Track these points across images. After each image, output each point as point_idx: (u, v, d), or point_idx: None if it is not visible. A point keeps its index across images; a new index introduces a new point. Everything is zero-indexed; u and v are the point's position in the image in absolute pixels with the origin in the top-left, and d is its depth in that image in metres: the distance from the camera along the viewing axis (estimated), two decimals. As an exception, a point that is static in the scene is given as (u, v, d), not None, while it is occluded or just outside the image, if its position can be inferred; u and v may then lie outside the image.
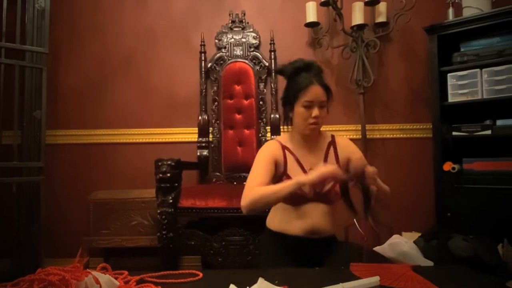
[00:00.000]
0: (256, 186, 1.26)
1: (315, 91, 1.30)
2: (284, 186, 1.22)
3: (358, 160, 1.25)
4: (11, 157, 2.30)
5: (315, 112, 1.30)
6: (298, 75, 1.34)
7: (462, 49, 2.30)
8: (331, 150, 1.41)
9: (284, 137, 1.43)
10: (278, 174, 1.36)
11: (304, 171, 1.34)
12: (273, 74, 2.62)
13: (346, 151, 1.40)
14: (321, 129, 1.41)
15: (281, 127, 1.45)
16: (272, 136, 2.54)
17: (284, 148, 1.38)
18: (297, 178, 1.23)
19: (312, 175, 1.18)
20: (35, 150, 2.44)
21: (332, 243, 1.40)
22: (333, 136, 1.44)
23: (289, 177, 1.32)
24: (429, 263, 1.92)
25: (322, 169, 1.18)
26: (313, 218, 1.34)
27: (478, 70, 2.18)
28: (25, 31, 2.42)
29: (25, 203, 2.40)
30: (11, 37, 2.31)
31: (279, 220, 1.40)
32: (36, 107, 2.46)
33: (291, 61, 1.40)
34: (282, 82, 2.65)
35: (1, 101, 2.26)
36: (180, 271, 1.07)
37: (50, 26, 2.49)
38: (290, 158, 1.37)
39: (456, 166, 2.22)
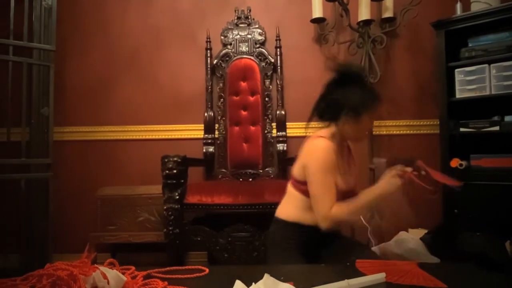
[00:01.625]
0: (333, 205, 1.28)
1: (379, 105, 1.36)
2: (363, 204, 1.28)
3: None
4: (20, 153, 2.32)
5: (372, 124, 1.40)
6: (362, 81, 1.36)
7: (470, 44, 2.27)
8: (350, 153, 1.49)
9: (327, 136, 1.38)
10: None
11: (341, 174, 1.38)
12: (279, 70, 2.61)
13: (354, 152, 1.51)
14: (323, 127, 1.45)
15: (325, 125, 1.41)
16: (280, 133, 2.54)
17: (334, 151, 1.37)
18: (372, 192, 1.28)
19: (385, 187, 1.26)
20: (43, 147, 2.46)
21: (340, 237, 1.45)
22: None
23: (337, 183, 1.34)
24: (436, 260, 1.91)
25: (391, 178, 1.27)
26: None
27: (486, 65, 2.16)
28: (33, 29, 2.43)
29: (34, 199, 2.43)
30: (19, 35, 2.32)
31: (294, 210, 1.40)
32: (44, 104, 2.48)
33: (344, 62, 1.48)
34: (287, 78, 2.66)
35: (9, 99, 2.28)
36: (187, 267, 1.08)
37: (57, 24, 2.51)
38: (337, 162, 1.38)
39: (464, 163, 2.20)
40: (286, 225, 1.40)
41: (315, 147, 1.34)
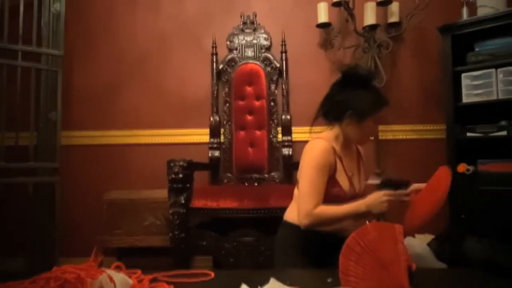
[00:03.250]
0: (318, 204, 1.28)
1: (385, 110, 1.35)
2: (347, 212, 1.27)
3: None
4: (27, 157, 2.34)
5: (377, 128, 1.41)
6: (368, 84, 1.34)
7: (476, 49, 2.26)
8: (360, 155, 1.49)
9: (330, 138, 1.39)
10: (327, 178, 1.35)
11: (348, 177, 1.37)
12: (284, 75, 2.62)
13: (363, 153, 1.52)
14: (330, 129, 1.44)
15: (329, 125, 1.42)
16: (285, 137, 2.55)
17: (335, 152, 1.36)
18: (358, 205, 1.27)
19: (372, 206, 1.25)
20: (51, 151, 2.48)
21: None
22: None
23: (336, 182, 1.34)
24: (443, 265, 1.89)
25: (379, 200, 1.24)
26: (348, 222, 1.34)
27: (493, 70, 2.15)
28: (41, 34, 2.47)
29: (41, 203, 2.44)
30: (27, 40, 2.36)
31: None
32: (52, 109, 2.51)
33: (353, 65, 1.44)
34: (293, 83, 2.67)
35: (17, 103, 2.31)
36: (193, 271, 1.08)
37: (65, 29, 2.54)
38: (339, 163, 1.36)
39: (471, 168, 2.18)
40: (294, 229, 1.38)
41: (312, 146, 1.35)
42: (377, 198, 1.25)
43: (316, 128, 1.42)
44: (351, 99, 1.33)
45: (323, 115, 1.41)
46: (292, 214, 1.42)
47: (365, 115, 1.32)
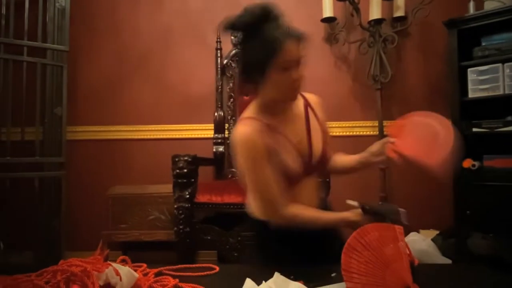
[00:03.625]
0: (285, 202, 1.08)
1: (292, 48, 1.02)
2: (323, 224, 1.10)
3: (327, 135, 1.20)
4: (33, 152, 2.36)
5: (297, 73, 1.05)
6: (258, 30, 1.03)
7: (483, 44, 2.24)
8: (310, 112, 1.21)
9: (257, 111, 1.14)
10: (274, 164, 1.08)
11: (294, 147, 1.12)
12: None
13: (320, 109, 1.24)
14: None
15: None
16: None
17: (269, 128, 1.10)
18: (344, 216, 1.09)
19: (350, 227, 1.03)
20: (56, 146, 2.50)
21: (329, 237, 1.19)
22: (303, 95, 1.23)
23: (287, 166, 1.09)
24: (447, 261, 1.89)
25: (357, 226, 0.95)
26: (309, 198, 1.17)
27: (500, 64, 2.13)
28: (46, 30, 2.47)
29: (47, 197, 2.47)
30: (33, 35, 2.37)
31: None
32: (57, 104, 2.52)
33: (238, 14, 1.08)
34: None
35: (23, 98, 2.32)
36: (197, 265, 1.09)
37: (70, 24, 2.55)
38: (280, 139, 1.11)
39: (477, 163, 2.17)
40: (261, 225, 1.18)
41: (235, 137, 1.09)
42: (351, 219, 1.08)
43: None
44: (245, 58, 1.09)
45: (242, 85, 1.22)
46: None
47: (262, 70, 1.03)
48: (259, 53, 1.03)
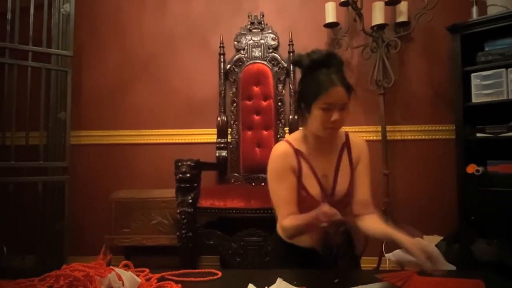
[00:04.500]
0: (288, 215, 1.20)
1: (336, 93, 1.13)
2: (301, 222, 1.15)
3: (362, 170, 1.27)
4: (37, 157, 2.38)
5: (335, 116, 1.15)
6: (316, 70, 1.17)
7: (486, 49, 2.24)
8: (345, 152, 1.30)
9: (296, 137, 1.29)
10: (293, 184, 1.24)
11: (318, 180, 1.24)
12: (292, 75, 2.62)
13: (359, 152, 1.31)
14: None
15: (300, 128, 1.31)
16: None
17: (297, 153, 1.25)
18: (307, 217, 1.12)
19: (311, 215, 1.09)
20: (60, 150, 2.52)
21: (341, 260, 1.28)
22: (347, 136, 1.33)
23: (305, 188, 1.23)
24: (452, 267, 1.87)
25: (322, 210, 1.06)
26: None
27: (503, 69, 2.12)
28: (51, 35, 2.50)
29: (50, 201, 2.48)
30: (37, 41, 2.39)
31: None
32: (61, 109, 2.54)
33: (309, 51, 1.21)
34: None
35: (28, 103, 2.34)
36: (200, 270, 1.08)
37: (75, 30, 2.57)
38: (304, 166, 1.25)
39: (480, 169, 2.16)
40: (282, 244, 1.31)
41: (272, 153, 1.27)
42: (316, 216, 1.08)
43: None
44: (299, 90, 1.25)
45: (297, 116, 1.30)
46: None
47: (307, 105, 1.18)
48: (309, 88, 1.18)
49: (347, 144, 1.31)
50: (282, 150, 1.25)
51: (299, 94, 1.25)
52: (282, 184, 1.22)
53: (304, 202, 1.22)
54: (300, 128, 1.32)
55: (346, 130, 1.34)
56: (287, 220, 1.20)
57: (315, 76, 1.17)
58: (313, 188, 1.23)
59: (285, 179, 1.22)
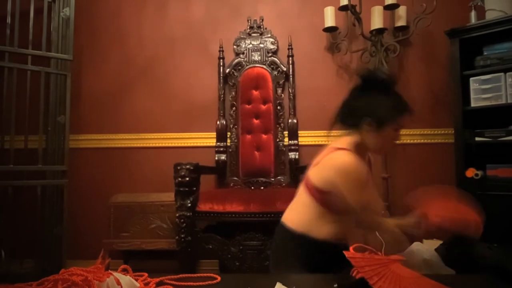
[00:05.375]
0: (376, 211, 1.29)
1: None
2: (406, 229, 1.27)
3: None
4: (36, 160, 2.37)
5: (399, 137, 1.27)
6: (392, 89, 1.26)
7: (485, 53, 2.25)
8: (371, 166, 1.41)
9: (351, 147, 1.27)
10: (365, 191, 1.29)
11: (376, 187, 1.36)
12: (291, 79, 2.62)
13: (373, 162, 1.46)
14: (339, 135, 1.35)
15: (346, 132, 1.32)
16: (292, 141, 2.54)
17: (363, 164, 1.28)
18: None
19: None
20: (59, 154, 2.51)
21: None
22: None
23: (373, 197, 1.31)
24: (451, 271, 1.87)
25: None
26: (345, 223, 1.29)
27: (502, 74, 2.13)
28: (51, 39, 2.50)
29: (49, 205, 2.47)
30: (37, 44, 2.39)
31: (305, 220, 1.30)
32: (60, 112, 2.53)
33: (378, 69, 1.36)
34: (299, 87, 2.67)
35: (27, 107, 2.34)
36: (199, 274, 1.08)
37: (74, 34, 2.57)
38: (369, 176, 1.30)
39: (480, 173, 2.16)
40: (293, 237, 1.29)
41: (343, 162, 1.21)
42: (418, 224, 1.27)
43: (333, 133, 1.36)
44: (369, 105, 1.25)
45: (341, 121, 1.32)
46: (293, 218, 1.34)
47: (384, 122, 1.23)
48: (389, 109, 1.23)
49: (370, 160, 1.42)
50: (356, 159, 1.22)
51: (366, 108, 1.25)
52: (366, 189, 1.25)
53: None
54: (342, 138, 1.32)
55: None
56: (383, 219, 1.27)
57: (395, 96, 1.24)
58: (375, 198, 1.35)
59: (365, 186, 1.24)
